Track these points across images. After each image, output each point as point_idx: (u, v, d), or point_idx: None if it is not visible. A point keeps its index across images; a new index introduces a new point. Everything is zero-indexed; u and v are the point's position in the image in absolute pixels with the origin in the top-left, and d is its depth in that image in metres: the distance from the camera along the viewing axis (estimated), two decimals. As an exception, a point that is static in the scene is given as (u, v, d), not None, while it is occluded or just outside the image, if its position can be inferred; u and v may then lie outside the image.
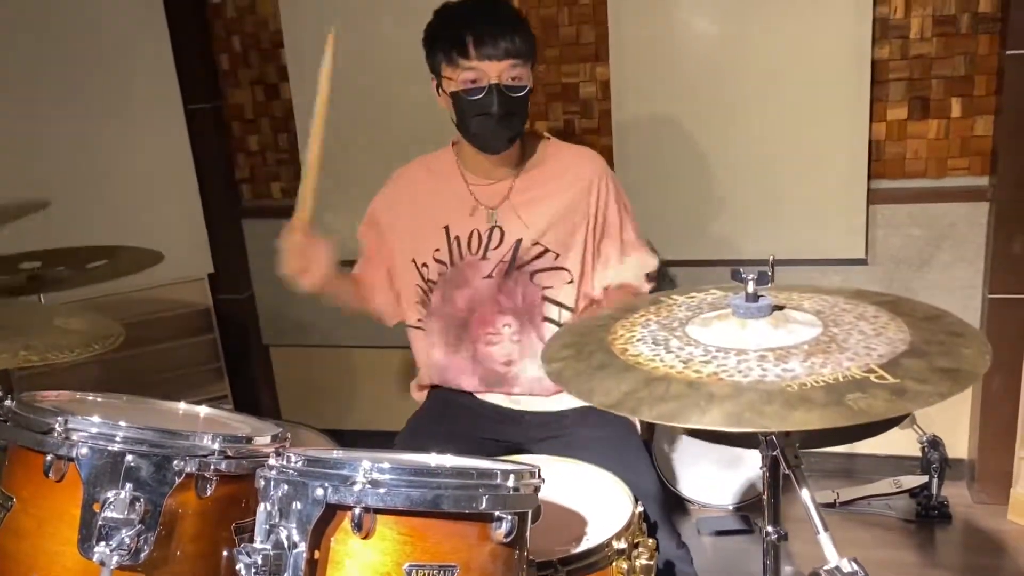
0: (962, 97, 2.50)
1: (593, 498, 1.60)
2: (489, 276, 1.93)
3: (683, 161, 2.66)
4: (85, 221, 2.79)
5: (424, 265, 1.97)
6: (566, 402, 1.96)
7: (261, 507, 1.09)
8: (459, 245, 1.94)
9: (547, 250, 1.92)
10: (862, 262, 2.64)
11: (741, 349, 1.03)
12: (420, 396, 2.11)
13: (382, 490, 1.05)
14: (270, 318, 3.24)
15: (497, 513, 1.09)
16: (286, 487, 1.08)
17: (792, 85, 2.52)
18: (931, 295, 2.62)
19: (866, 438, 1.00)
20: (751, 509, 2.74)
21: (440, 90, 1.88)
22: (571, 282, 1.94)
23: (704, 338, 1.07)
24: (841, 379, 0.94)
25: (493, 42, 1.74)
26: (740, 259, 2.69)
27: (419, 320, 2.03)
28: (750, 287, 1.07)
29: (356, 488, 1.05)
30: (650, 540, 1.53)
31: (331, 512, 1.07)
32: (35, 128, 2.77)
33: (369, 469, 1.07)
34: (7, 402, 1.28)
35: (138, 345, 2.91)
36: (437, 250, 1.95)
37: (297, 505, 1.08)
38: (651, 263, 1.99)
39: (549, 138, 2.00)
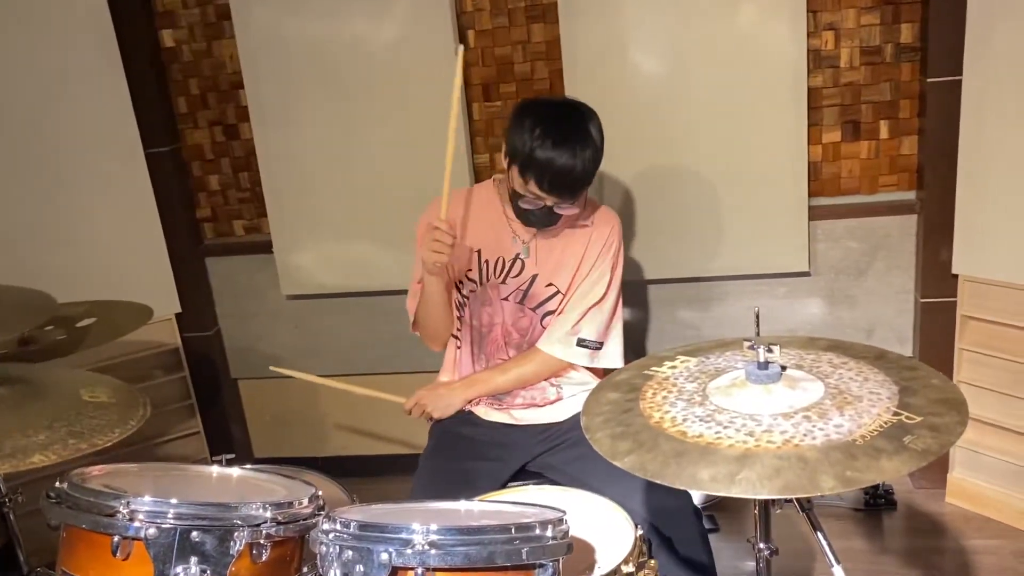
0: (889, 120, 2.72)
1: (595, 525, 1.74)
2: (505, 299, 2.15)
3: (636, 186, 2.82)
4: (53, 270, 2.79)
5: (460, 283, 2.17)
6: (559, 413, 2.18)
7: (332, 573, 1.19)
8: (487, 268, 2.14)
9: (557, 291, 2.13)
10: (806, 274, 2.84)
11: (785, 413, 1.17)
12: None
13: (441, 551, 1.17)
14: (237, 353, 3.29)
15: (541, 561, 1.22)
16: (350, 552, 1.19)
17: (737, 113, 2.69)
18: (869, 301, 2.85)
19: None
20: (715, 509, 2.92)
21: (506, 161, 2.02)
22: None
23: (741, 407, 1.21)
24: (885, 426, 1.10)
25: (564, 186, 1.94)
26: (694, 277, 2.88)
27: (457, 330, 2.23)
28: (762, 356, 1.21)
29: (418, 551, 1.17)
30: (652, 560, 1.67)
31: (393, 573, 1.19)
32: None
33: (425, 532, 1.18)
34: (59, 483, 1.35)
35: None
36: (469, 270, 2.15)
37: (360, 568, 1.19)
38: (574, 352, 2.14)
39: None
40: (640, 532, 1.70)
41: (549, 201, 1.96)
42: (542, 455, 2.14)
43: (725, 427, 1.16)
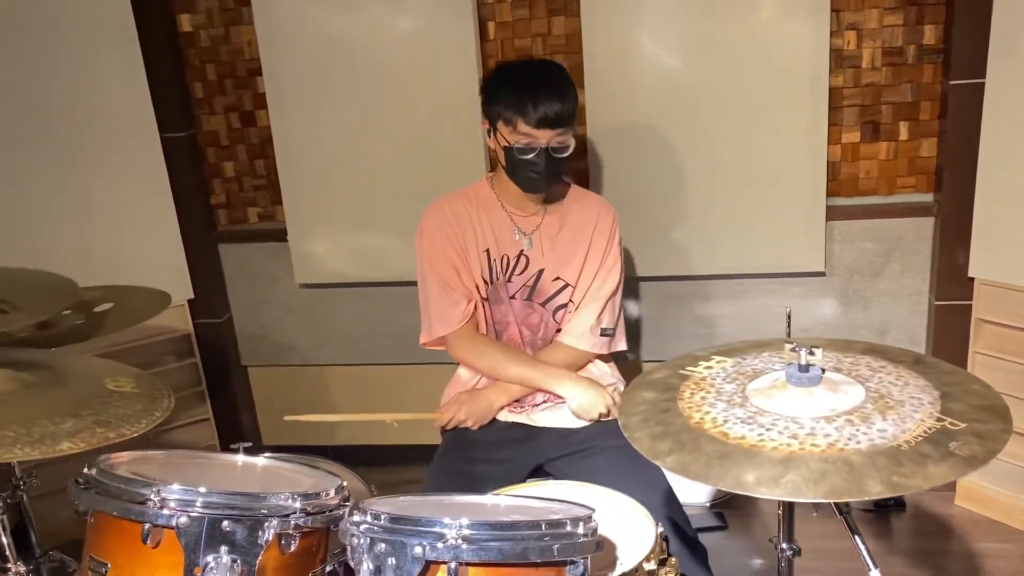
0: (909, 121, 2.71)
1: (616, 521, 1.74)
2: (512, 297, 2.15)
3: (655, 182, 2.81)
4: (66, 253, 2.79)
5: (476, 286, 2.16)
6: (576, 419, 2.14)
7: (364, 565, 1.19)
8: (496, 267, 2.14)
9: (566, 284, 2.14)
10: (821, 274, 2.84)
11: (828, 416, 1.17)
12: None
13: (475, 546, 1.17)
14: (248, 340, 3.29)
15: (573, 558, 1.22)
16: (383, 545, 1.19)
17: (757, 111, 2.69)
18: (883, 303, 2.85)
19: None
20: (724, 506, 2.93)
21: (491, 136, 2.06)
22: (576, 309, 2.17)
23: (782, 409, 1.21)
24: (929, 431, 1.10)
25: (551, 113, 1.95)
26: (709, 274, 2.88)
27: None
28: (803, 358, 1.21)
29: (451, 544, 1.17)
30: (672, 558, 1.67)
31: (425, 567, 1.19)
32: (10, 163, 2.76)
33: (458, 526, 1.18)
34: (87, 470, 1.35)
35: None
36: (481, 271, 2.14)
37: (392, 561, 1.19)
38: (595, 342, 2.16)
39: (570, 183, 2.22)
40: (661, 530, 1.70)
41: (543, 139, 1.97)
42: (555, 460, 2.11)
43: (767, 429, 1.16)
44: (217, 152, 3.10)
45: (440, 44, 2.78)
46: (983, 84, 2.48)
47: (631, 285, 2.93)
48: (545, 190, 2.10)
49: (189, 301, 3.12)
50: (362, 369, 3.23)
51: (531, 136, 1.97)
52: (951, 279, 2.71)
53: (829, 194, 2.76)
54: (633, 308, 2.98)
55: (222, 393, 3.26)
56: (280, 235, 3.06)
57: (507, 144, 2.00)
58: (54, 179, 2.82)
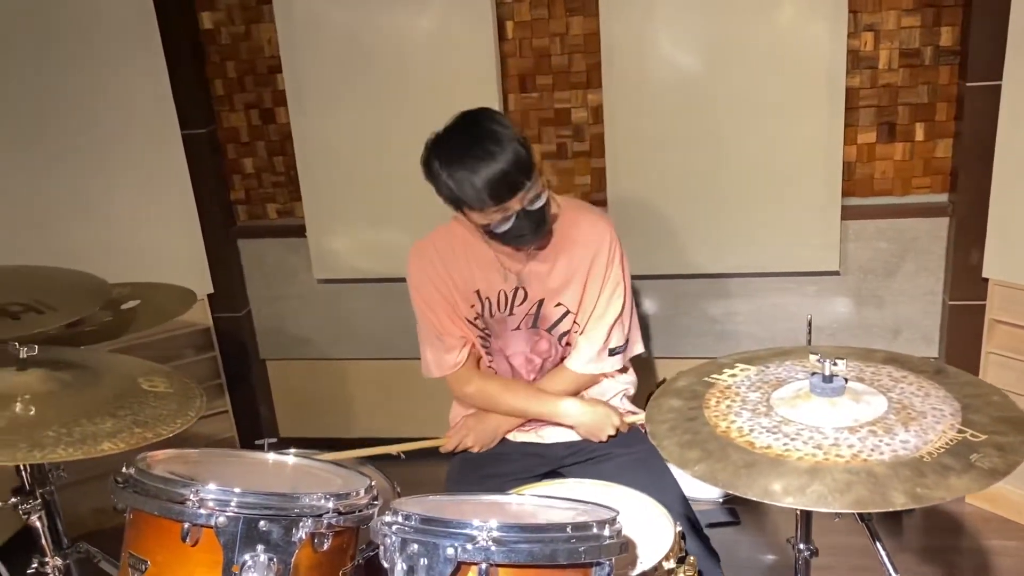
0: (925, 122, 2.73)
1: (635, 520, 1.77)
2: (517, 328, 2.09)
3: (671, 180, 2.83)
4: (88, 248, 2.82)
5: (473, 322, 2.11)
6: None
7: (398, 565, 1.23)
8: (489, 304, 2.07)
9: (568, 311, 2.07)
10: (835, 274, 2.86)
11: (851, 427, 1.20)
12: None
13: (504, 548, 1.20)
14: (267, 334, 3.32)
15: (599, 560, 1.26)
16: (415, 546, 1.23)
17: (774, 111, 2.70)
18: (897, 302, 2.87)
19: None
20: (736, 502, 2.96)
21: (459, 212, 1.93)
22: (580, 334, 2.10)
23: (806, 419, 1.24)
24: (950, 443, 1.13)
25: (508, 187, 1.81)
26: (724, 272, 2.90)
27: (489, 363, 2.18)
28: (827, 369, 1.24)
29: (482, 546, 1.20)
30: (691, 557, 1.71)
31: (457, 567, 1.22)
32: (31, 161, 2.79)
33: (488, 528, 1.22)
34: (125, 468, 1.39)
35: (144, 367, 2.98)
36: (472, 306, 2.08)
37: (424, 562, 1.23)
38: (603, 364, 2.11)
39: (560, 204, 2.07)
40: (679, 528, 1.74)
41: (514, 206, 1.84)
42: (569, 467, 2.12)
43: (792, 439, 1.19)
44: (237, 148, 3.14)
45: (458, 43, 2.80)
46: (999, 87, 2.49)
47: (645, 283, 2.96)
48: (540, 239, 1.98)
49: (209, 295, 3.16)
50: (379, 363, 3.27)
51: (501, 210, 1.84)
52: (965, 279, 2.73)
53: (844, 194, 2.77)
54: (647, 306, 3.00)
55: (241, 386, 3.31)
56: (299, 231, 3.09)
57: (480, 224, 1.89)
58: (75, 174, 2.86)
